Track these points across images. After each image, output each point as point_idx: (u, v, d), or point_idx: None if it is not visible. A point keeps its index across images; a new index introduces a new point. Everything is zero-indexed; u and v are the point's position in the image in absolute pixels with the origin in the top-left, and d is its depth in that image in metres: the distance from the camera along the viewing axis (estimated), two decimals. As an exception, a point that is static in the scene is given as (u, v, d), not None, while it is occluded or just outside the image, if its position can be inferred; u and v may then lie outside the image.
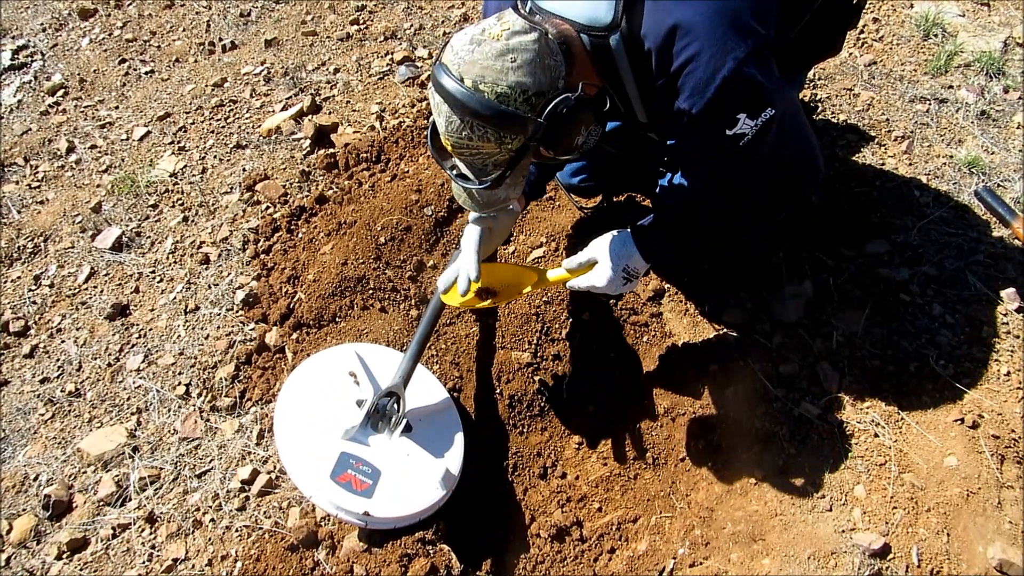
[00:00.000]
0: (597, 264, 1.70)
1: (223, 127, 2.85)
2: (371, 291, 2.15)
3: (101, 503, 1.82)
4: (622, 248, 1.68)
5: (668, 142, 1.69)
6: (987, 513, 1.65)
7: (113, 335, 2.20)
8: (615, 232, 1.71)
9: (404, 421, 1.77)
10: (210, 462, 1.89)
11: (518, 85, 1.28)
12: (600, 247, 1.71)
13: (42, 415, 2.04)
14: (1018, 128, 2.50)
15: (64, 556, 1.74)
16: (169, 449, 1.92)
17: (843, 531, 1.66)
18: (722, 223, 1.73)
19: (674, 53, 1.37)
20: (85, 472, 1.89)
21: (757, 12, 1.39)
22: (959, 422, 1.78)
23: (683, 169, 1.75)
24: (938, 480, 1.70)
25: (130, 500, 1.83)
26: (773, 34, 1.44)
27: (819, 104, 2.64)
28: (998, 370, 1.87)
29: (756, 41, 1.37)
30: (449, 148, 1.39)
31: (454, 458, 1.80)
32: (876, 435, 1.80)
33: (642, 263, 1.68)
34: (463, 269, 1.74)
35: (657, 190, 2.07)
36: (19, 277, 2.43)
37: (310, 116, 2.81)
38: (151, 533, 1.77)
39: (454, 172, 1.45)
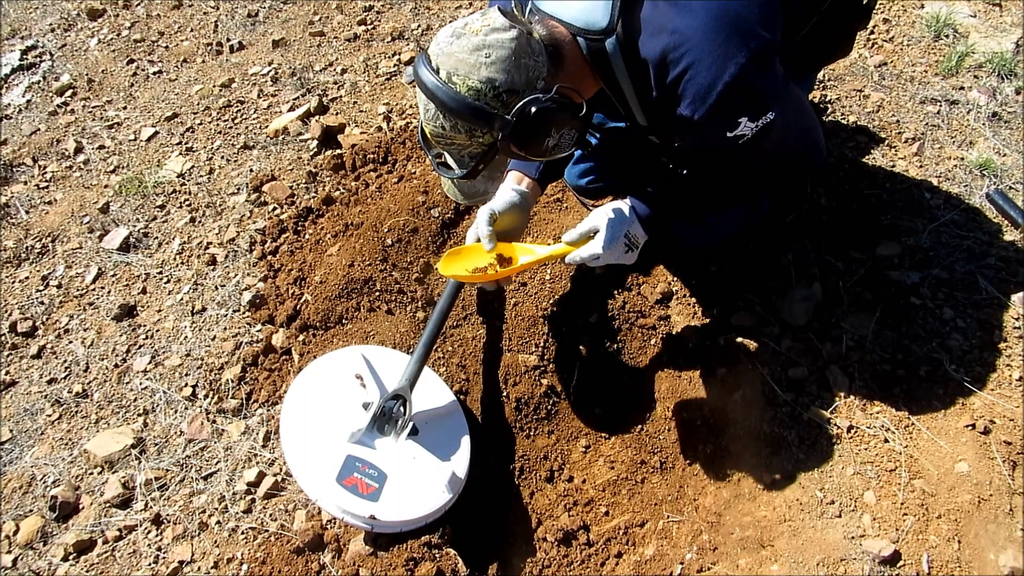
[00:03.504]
0: (597, 233, 1.65)
1: (230, 128, 2.85)
2: (378, 293, 2.15)
3: (107, 504, 1.82)
4: (622, 215, 1.65)
5: (669, 142, 1.68)
6: (999, 520, 1.63)
7: (120, 336, 2.21)
8: (614, 202, 1.70)
9: (410, 424, 1.76)
10: (216, 464, 1.89)
11: (489, 81, 1.29)
12: (600, 216, 1.67)
13: (49, 416, 2.04)
14: (1030, 130, 2.48)
15: (71, 557, 1.74)
16: (175, 451, 1.92)
17: (853, 537, 1.64)
18: (722, 207, 1.76)
19: (672, 61, 1.36)
20: (92, 473, 1.90)
21: (759, 15, 1.38)
22: (970, 427, 1.76)
23: (684, 163, 1.75)
24: (949, 486, 1.68)
25: (136, 501, 1.83)
26: (779, 37, 1.42)
27: (829, 105, 2.62)
28: (1010, 375, 1.85)
29: (758, 45, 1.36)
30: (429, 135, 1.41)
31: (460, 461, 1.79)
32: (886, 440, 1.78)
33: (642, 232, 1.66)
34: (481, 233, 1.72)
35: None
36: (27, 277, 2.43)
37: (317, 117, 2.81)
38: (157, 535, 1.77)
39: (438, 161, 1.47)
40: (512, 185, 1.78)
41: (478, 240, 1.72)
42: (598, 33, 1.40)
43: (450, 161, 1.45)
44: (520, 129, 1.32)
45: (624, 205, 1.67)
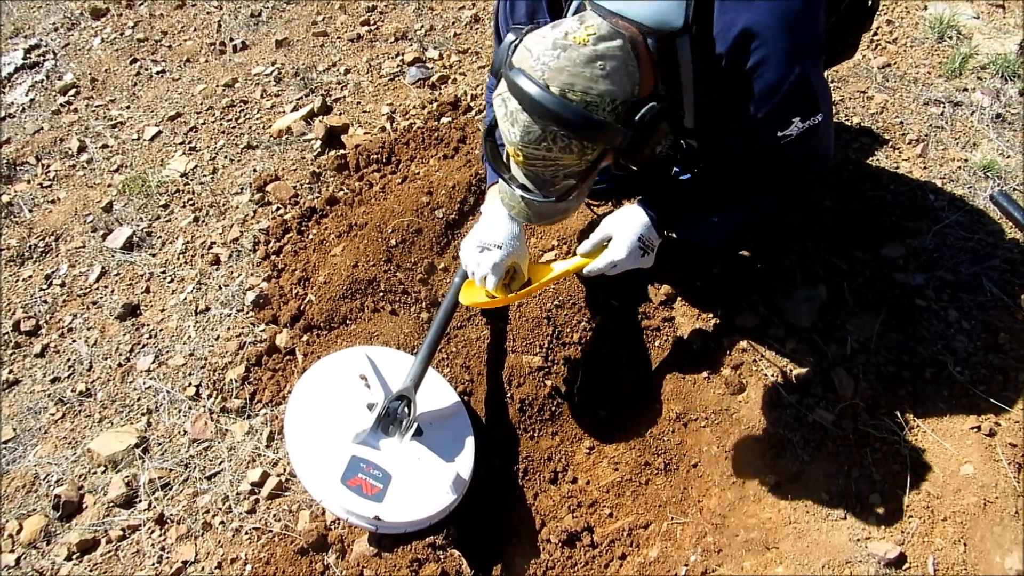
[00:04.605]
0: (612, 240, 1.66)
1: (234, 127, 2.85)
2: (382, 293, 2.14)
3: (111, 504, 1.82)
4: (635, 219, 1.65)
5: (710, 143, 1.68)
6: (1004, 522, 1.63)
7: (123, 335, 2.20)
8: (624, 207, 1.70)
9: (415, 425, 1.76)
10: (220, 464, 1.88)
11: (608, 93, 1.23)
12: (612, 222, 1.67)
13: (52, 415, 2.04)
14: (1034, 132, 2.48)
15: (74, 557, 1.74)
16: (179, 450, 1.92)
17: (858, 540, 1.64)
18: (731, 207, 1.76)
19: (745, 55, 1.35)
20: (95, 472, 1.89)
21: (813, 14, 1.38)
22: (976, 430, 1.76)
23: (711, 163, 1.75)
24: (954, 489, 1.68)
25: (140, 501, 1.83)
26: (824, 36, 1.44)
27: (833, 106, 2.61)
28: (1015, 377, 1.85)
29: (816, 44, 1.38)
30: (518, 159, 1.33)
31: (465, 462, 1.79)
32: (891, 443, 1.78)
33: (655, 234, 1.65)
34: (522, 272, 1.75)
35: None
36: (30, 276, 2.43)
37: (321, 117, 2.81)
38: (161, 535, 1.76)
39: (515, 184, 1.40)
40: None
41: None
42: (671, 33, 1.33)
43: (528, 182, 1.37)
44: (636, 138, 1.28)
45: (635, 209, 1.66)
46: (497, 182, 1.80)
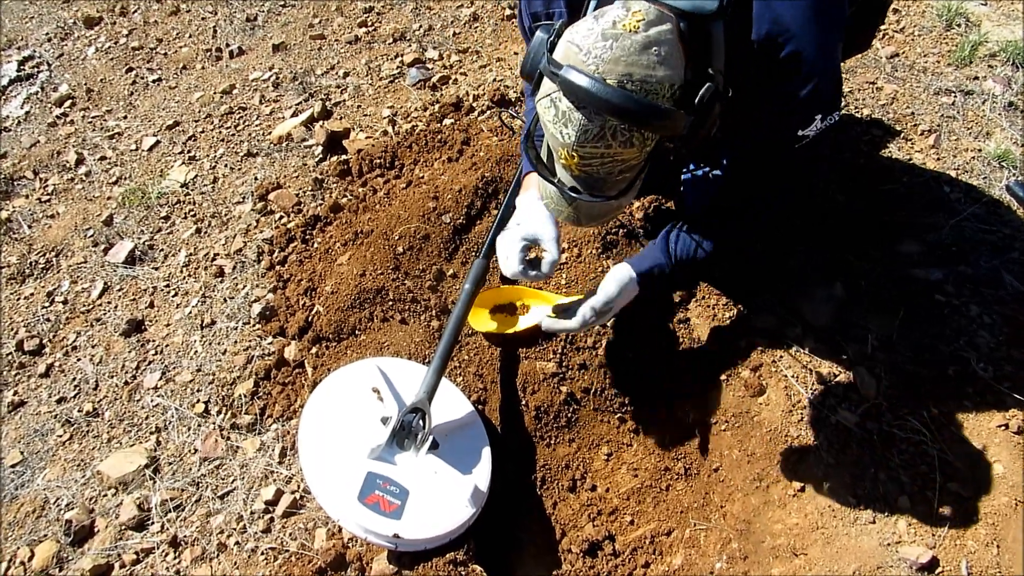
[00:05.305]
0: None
1: (233, 135, 2.80)
2: (390, 302, 2.10)
3: (123, 527, 1.79)
4: (615, 275, 1.72)
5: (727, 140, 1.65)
6: (1037, 523, 1.60)
7: (129, 352, 2.16)
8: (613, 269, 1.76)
9: (431, 437, 1.72)
10: (232, 482, 1.85)
11: (667, 79, 1.18)
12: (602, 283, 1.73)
13: (60, 436, 2.00)
14: (1048, 119, 2.44)
15: (87, 582, 1.70)
16: (190, 469, 1.88)
17: (888, 544, 1.60)
18: (739, 228, 1.71)
19: (779, 44, 1.31)
20: (106, 495, 1.86)
21: (842, 6, 1.36)
22: (1003, 428, 1.73)
23: (724, 166, 1.71)
24: (985, 489, 1.65)
25: (152, 523, 1.79)
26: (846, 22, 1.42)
27: (842, 98, 2.57)
28: (1041, 372, 1.82)
29: (841, 37, 1.35)
30: (572, 161, 1.27)
31: (482, 474, 1.75)
32: (918, 443, 1.74)
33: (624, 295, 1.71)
34: (548, 249, 1.71)
35: (681, 188, 2.03)
36: (32, 294, 2.39)
37: (321, 122, 2.76)
38: (175, 557, 1.73)
39: (566, 187, 1.34)
40: (537, 197, 1.72)
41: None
42: (705, 16, 1.27)
43: (577, 183, 1.31)
44: (695, 122, 1.23)
45: (622, 267, 1.72)
46: (529, 172, 1.78)
